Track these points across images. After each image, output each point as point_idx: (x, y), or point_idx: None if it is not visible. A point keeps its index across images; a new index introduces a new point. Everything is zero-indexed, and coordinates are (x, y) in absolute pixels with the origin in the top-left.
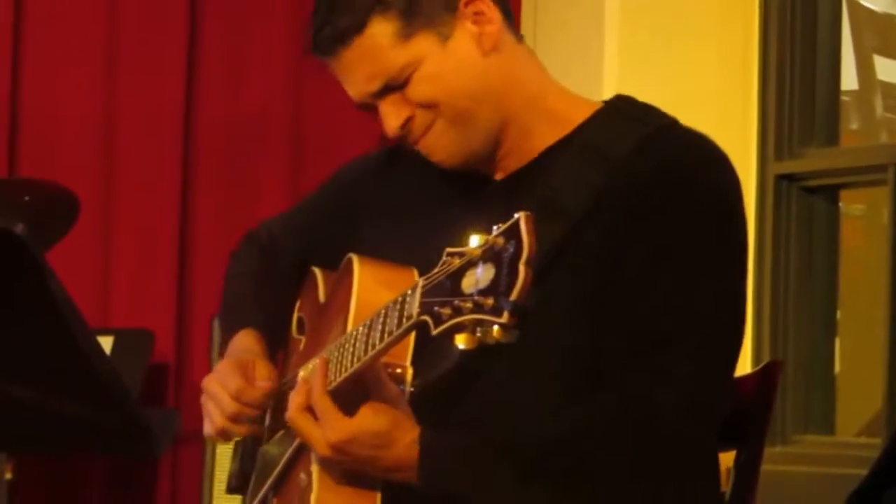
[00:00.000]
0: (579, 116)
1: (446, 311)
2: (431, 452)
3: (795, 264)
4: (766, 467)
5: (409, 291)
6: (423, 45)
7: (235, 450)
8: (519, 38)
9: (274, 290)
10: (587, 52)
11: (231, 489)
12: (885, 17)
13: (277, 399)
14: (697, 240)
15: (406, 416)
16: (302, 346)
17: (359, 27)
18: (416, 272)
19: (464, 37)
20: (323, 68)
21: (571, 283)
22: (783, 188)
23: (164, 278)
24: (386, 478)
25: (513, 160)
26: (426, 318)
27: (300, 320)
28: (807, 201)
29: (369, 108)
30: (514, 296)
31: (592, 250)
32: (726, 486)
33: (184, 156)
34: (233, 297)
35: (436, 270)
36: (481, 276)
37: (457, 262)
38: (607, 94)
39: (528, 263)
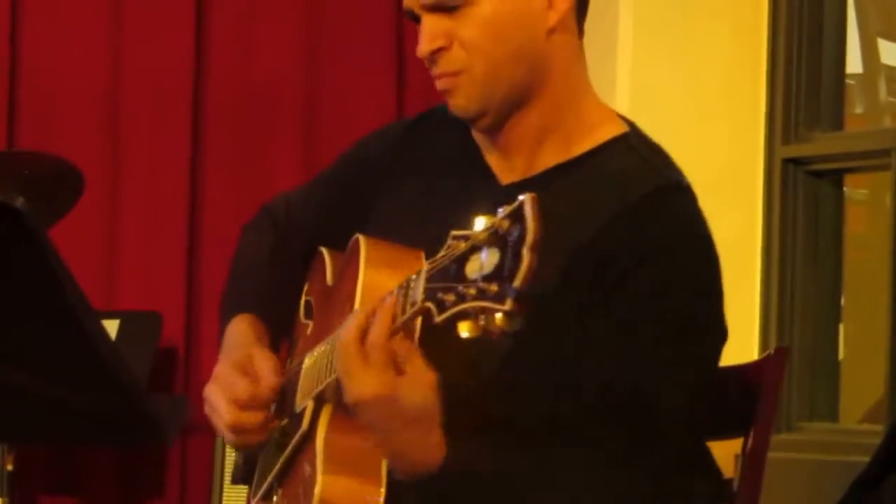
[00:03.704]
0: (602, 135)
1: (450, 297)
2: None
3: (802, 249)
4: (770, 454)
5: (415, 276)
6: None
7: None
8: (581, 32)
9: (283, 270)
10: (601, 33)
11: (236, 480)
12: (889, 1)
13: (284, 389)
14: (675, 309)
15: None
16: (309, 331)
17: None
18: (423, 254)
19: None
20: (334, 40)
21: (563, 319)
22: (790, 172)
23: (172, 258)
24: (403, 456)
25: (522, 159)
26: (430, 304)
27: (308, 304)
28: (812, 185)
29: (414, 19)
30: (517, 282)
31: (583, 292)
32: (735, 473)
33: (193, 129)
34: (238, 276)
35: (441, 254)
36: (486, 260)
37: (462, 245)
38: (620, 75)
39: (532, 248)
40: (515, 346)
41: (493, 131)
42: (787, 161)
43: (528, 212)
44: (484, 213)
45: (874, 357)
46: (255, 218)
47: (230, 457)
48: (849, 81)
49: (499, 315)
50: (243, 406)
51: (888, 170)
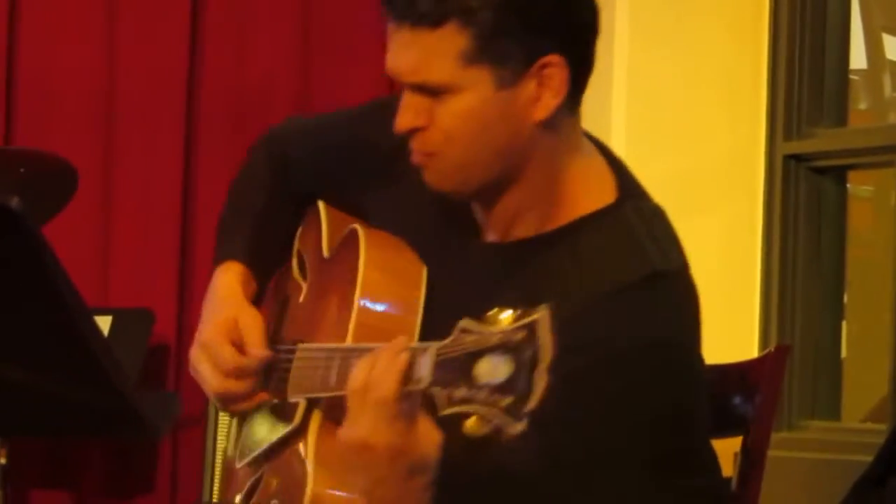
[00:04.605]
0: (587, 206)
1: (459, 393)
2: None
3: (803, 246)
4: (771, 453)
5: (418, 350)
6: (478, 78)
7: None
8: (574, 108)
9: (277, 213)
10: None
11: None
12: None
13: (272, 363)
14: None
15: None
16: (301, 298)
17: (436, 22)
18: (423, 272)
19: (520, 93)
20: (328, 40)
21: None
22: (791, 168)
23: (165, 255)
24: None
25: (498, 226)
26: (437, 390)
27: (301, 259)
28: (815, 182)
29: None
30: (531, 405)
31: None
32: (733, 471)
33: (187, 127)
34: (231, 214)
35: (449, 342)
36: (497, 368)
37: (471, 341)
38: (617, 70)
39: (547, 371)
40: None
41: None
42: (789, 157)
43: (544, 332)
44: (500, 306)
45: (877, 355)
46: (257, 145)
47: (221, 452)
48: (853, 77)
49: (511, 430)
50: (229, 374)
51: (893, 166)
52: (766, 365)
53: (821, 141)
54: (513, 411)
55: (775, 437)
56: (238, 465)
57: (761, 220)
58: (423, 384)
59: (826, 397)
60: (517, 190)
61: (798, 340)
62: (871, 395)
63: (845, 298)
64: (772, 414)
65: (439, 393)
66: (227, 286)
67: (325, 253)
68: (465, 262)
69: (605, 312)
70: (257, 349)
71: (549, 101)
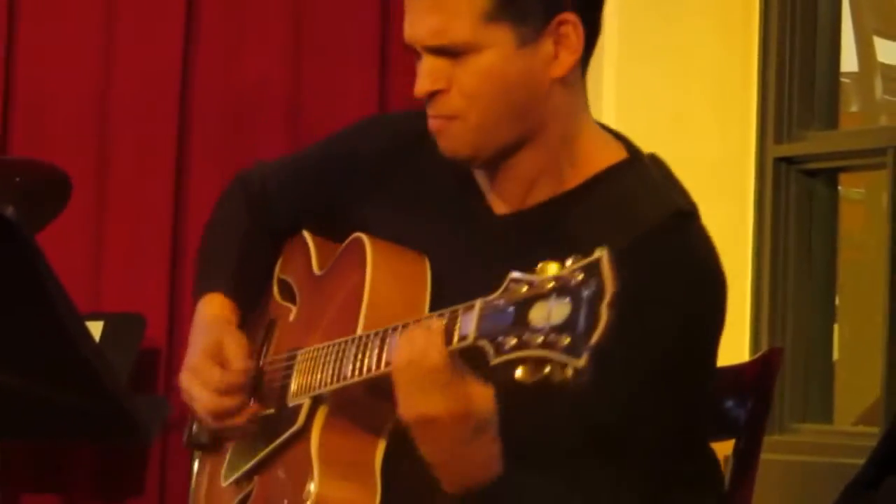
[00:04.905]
0: (600, 163)
1: (511, 341)
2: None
3: (794, 249)
4: (763, 456)
5: (461, 309)
6: (499, 36)
7: None
8: (585, 69)
9: (255, 247)
10: None
11: (196, 445)
12: None
13: (259, 377)
14: (671, 350)
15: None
16: (292, 317)
17: None
18: (427, 264)
19: (539, 51)
20: (321, 46)
21: None
22: (782, 171)
23: (156, 262)
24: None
25: (514, 194)
26: (484, 343)
27: (284, 284)
28: (806, 185)
29: (413, 52)
30: (594, 339)
31: None
32: (725, 475)
33: (179, 136)
34: (211, 250)
35: (496, 295)
36: (553, 311)
37: (524, 290)
38: (606, 73)
39: (610, 306)
40: None
41: (483, 170)
42: (780, 160)
43: (606, 269)
44: (549, 260)
45: (869, 358)
46: (230, 188)
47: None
48: (844, 80)
49: (570, 369)
50: (218, 392)
51: (883, 168)
52: (758, 368)
53: (812, 143)
54: (572, 349)
55: (767, 440)
56: (223, 484)
57: (752, 222)
58: (469, 341)
59: (818, 400)
60: (533, 151)
61: (789, 343)
62: (862, 397)
63: (837, 301)
64: (764, 417)
65: (487, 345)
66: (211, 313)
67: (317, 270)
68: (483, 239)
69: (639, 255)
70: (239, 362)
71: (567, 59)
